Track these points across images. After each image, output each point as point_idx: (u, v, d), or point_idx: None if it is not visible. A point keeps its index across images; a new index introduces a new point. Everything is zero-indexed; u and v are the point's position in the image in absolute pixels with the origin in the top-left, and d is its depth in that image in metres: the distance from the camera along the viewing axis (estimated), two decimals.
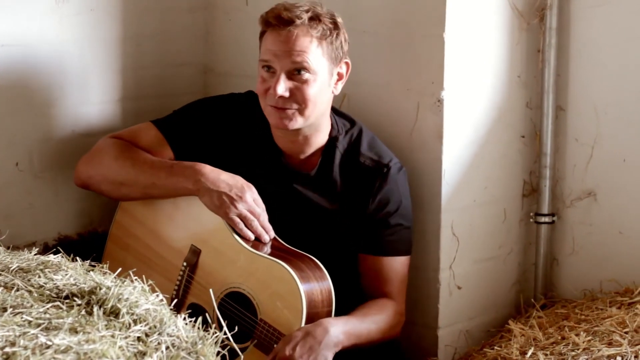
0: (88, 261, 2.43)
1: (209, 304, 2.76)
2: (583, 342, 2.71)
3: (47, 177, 3.05)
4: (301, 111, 2.77)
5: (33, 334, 1.97)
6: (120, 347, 1.99)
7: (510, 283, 3.29)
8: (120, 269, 2.37)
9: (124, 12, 3.16)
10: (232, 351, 2.32)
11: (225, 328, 2.20)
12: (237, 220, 2.77)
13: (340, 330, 2.69)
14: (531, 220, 3.28)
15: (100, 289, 2.19)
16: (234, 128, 2.92)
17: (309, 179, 2.89)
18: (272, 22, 2.75)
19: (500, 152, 3.19)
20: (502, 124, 3.17)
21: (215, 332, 2.16)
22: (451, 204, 3.06)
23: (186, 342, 2.10)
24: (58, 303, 2.14)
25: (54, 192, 3.07)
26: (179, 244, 2.87)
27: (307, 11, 2.75)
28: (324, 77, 2.78)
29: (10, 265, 2.34)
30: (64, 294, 2.19)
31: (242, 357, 2.38)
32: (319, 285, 2.71)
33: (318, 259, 2.77)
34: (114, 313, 2.13)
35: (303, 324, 2.66)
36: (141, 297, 2.21)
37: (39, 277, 2.27)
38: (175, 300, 2.79)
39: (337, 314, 2.75)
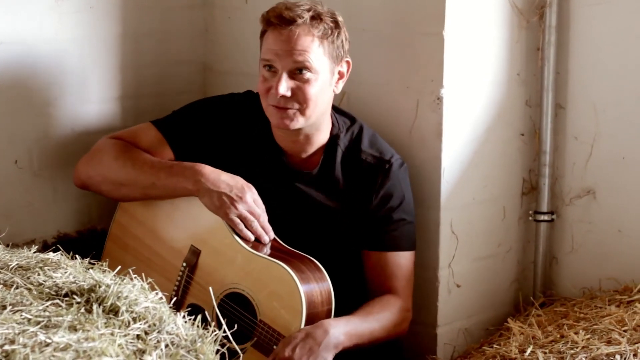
0: (87, 259, 2.43)
1: (208, 304, 2.76)
2: (582, 341, 2.71)
3: (47, 175, 3.05)
4: (302, 111, 2.77)
5: (32, 331, 1.97)
6: (119, 345, 1.99)
7: (510, 281, 3.30)
8: (119, 267, 2.37)
9: (123, 10, 3.16)
10: (230, 351, 2.32)
11: (225, 326, 2.20)
12: (237, 220, 2.77)
13: (341, 331, 2.69)
14: (530, 218, 3.28)
15: (100, 286, 2.19)
16: (234, 128, 2.92)
17: (311, 177, 2.89)
18: (274, 21, 2.74)
19: (499, 150, 3.19)
20: (502, 122, 3.17)
21: (215, 331, 2.16)
22: (450, 202, 3.06)
23: (185, 340, 2.10)
24: (57, 301, 2.14)
25: (54, 190, 3.07)
26: (178, 244, 2.87)
27: (308, 10, 2.75)
28: (325, 76, 2.78)
29: (9, 263, 2.34)
30: (64, 292, 2.20)
31: (241, 356, 2.38)
32: (318, 286, 2.70)
33: (321, 258, 2.76)
34: (114, 311, 2.13)
35: (303, 325, 2.66)
36: (140, 295, 2.21)
37: (39, 274, 2.27)
38: (175, 299, 2.79)
39: (340, 313, 2.74)
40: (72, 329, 2.01)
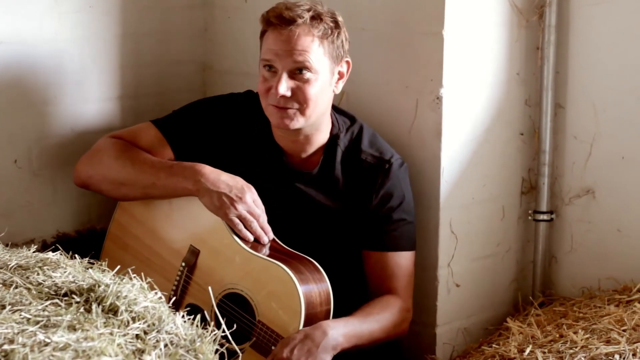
0: (87, 259, 2.43)
1: (207, 304, 2.76)
2: (581, 340, 2.71)
3: (46, 174, 3.05)
4: (302, 111, 2.77)
5: (32, 331, 1.97)
6: (118, 344, 1.99)
7: (509, 281, 3.30)
8: (119, 267, 2.38)
9: (122, 10, 3.16)
10: (229, 351, 2.32)
11: (224, 326, 2.20)
12: (237, 221, 2.77)
13: (340, 332, 2.68)
14: (530, 218, 3.28)
15: (99, 286, 2.19)
16: (234, 128, 2.92)
17: (311, 177, 2.89)
18: (274, 21, 2.74)
19: (499, 150, 3.19)
20: (501, 121, 3.17)
21: (214, 330, 2.16)
22: (450, 201, 3.06)
23: (185, 339, 2.10)
24: (57, 300, 2.15)
25: (53, 190, 3.07)
26: (177, 244, 2.87)
27: (308, 10, 2.74)
28: (325, 77, 2.78)
29: (8, 263, 2.34)
30: (63, 292, 2.20)
31: (240, 356, 2.38)
32: (317, 287, 2.70)
33: (320, 258, 2.76)
34: (113, 310, 2.13)
35: (301, 326, 2.65)
36: (140, 294, 2.21)
37: (38, 274, 2.27)
38: (174, 299, 2.79)
39: (340, 313, 2.74)
40: (71, 328, 2.01)
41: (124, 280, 2.25)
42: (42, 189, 3.05)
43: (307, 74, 2.74)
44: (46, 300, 2.15)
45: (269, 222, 2.81)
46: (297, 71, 2.74)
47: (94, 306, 2.12)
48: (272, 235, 2.81)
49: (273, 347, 2.66)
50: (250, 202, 2.78)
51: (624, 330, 2.74)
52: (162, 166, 2.85)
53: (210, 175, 2.79)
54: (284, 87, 2.73)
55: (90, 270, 2.31)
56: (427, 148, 3.03)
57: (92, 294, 2.17)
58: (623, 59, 3.11)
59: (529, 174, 3.28)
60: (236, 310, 2.74)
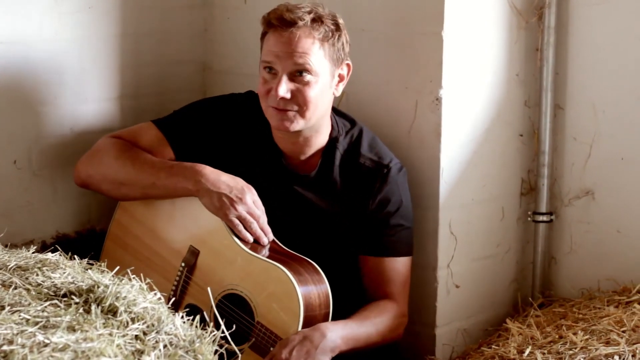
0: (86, 259, 2.43)
1: (207, 305, 2.76)
2: (581, 341, 2.71)
3: (46, 175, 3.05)
4: (302, 113, 2.76)
5: (31, 332, 1.97)
6: (118, 345, 1.99)
7: (508, 282, 3.30)
8: (118, 267, 2.38)
9: (122, 10, 3.16)
10: (228, 352, 2.32)
11: (223, 326, 2.20)
12: (237, 222, 2.77)
13: (338, 334, 2.69)
14: (529, 218, 3.28)
15: (98, 287, 2.19)
16: (235, 128, 2.92)
17: (309, 180, 2.89)
18: (275, 23, 2.74)
19: (498, 151, 3.19)
20: (501, 122, 3.17)
21: (213, 331, 2.16)
22: (449, 202, 3.06)
23: (184, 340, 2.10)
24: (56, 301, 2.14)
25: (52, 190, 3.07)
26: (177, 244, 2.87)
27: (309, 12, 2.74)
28: (325, 79, 2.78)
29: (8, 264, 2.34)
30: (62, 292, 2.20)
31: (240, 357, 2.38)
32: (316, 288, 2.70)
33: (318, 261, 2.76)
34: (112, 311, 2.13)
35: (300, 328, 2.65)
36: (139, 295, 2.21)
37: (37, 275, 2.27)
38: (174, 299, 2.79)
39: (337, 316, 2.74)
40: (71, 329, 2.01)
41: (123, 281, 2.25)
42: (42, 190, 3.05)
43: (307, 77, 2.74)
44: (45, 301, 2.15)
45: (269, 223, 2.80)
46: (298, 73, 2.74)
47: (93, 307, 2.12)
48: (272, 237, 2.81)
49: (272, 348, 2.66)
50: (250, 203, 2.78)
51: (623, 331, 2.74)
52: (163, 166, 2.85)
53: (211, 176, 2.79)
54: (284, 89, 2.73)
55: (89, 271, 2.31)
56: (427, 149, 3.03)
57: (91, 295, 2.17)
58: (622, 59, 3.11)
59: (529, 175, 3.28)
60: (235, 311, 2.74)
